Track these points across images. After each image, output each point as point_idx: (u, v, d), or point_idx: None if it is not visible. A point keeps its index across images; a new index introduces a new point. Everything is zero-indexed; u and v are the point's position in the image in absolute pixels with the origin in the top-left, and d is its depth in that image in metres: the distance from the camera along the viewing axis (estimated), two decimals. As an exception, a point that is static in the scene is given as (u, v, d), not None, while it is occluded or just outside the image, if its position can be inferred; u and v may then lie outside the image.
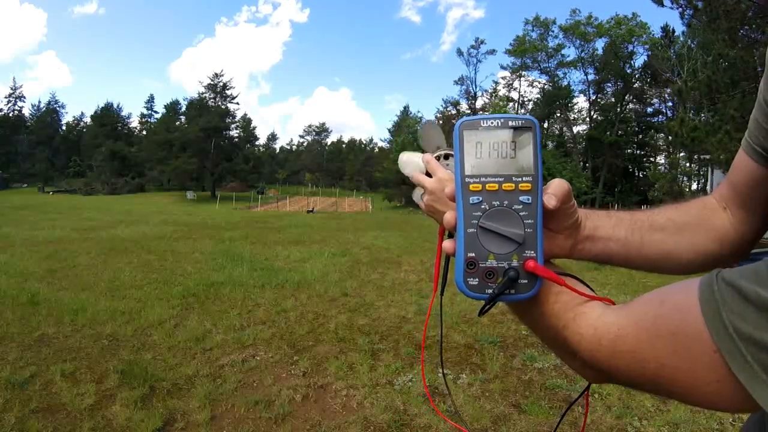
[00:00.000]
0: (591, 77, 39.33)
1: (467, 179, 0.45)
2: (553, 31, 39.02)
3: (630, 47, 36.16)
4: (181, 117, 47.38)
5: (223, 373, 3.28)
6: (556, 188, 0.47)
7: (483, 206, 0.44)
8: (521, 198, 0.44)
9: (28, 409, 2.67)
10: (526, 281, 0.45)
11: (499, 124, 0.45)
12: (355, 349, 3.80)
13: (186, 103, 46.85)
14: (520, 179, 0.44)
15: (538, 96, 42.59)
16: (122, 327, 4.14)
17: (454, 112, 45.22)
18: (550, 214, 0.47)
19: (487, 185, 0.44)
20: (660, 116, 36.20)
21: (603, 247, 0.54)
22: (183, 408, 2.78)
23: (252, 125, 50.41)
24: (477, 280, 0.45)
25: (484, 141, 0.45)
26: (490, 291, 0.45)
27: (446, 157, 0.66)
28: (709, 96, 8.67)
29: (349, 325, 4.48)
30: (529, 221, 0.44)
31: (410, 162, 0.70)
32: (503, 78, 45.03)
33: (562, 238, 0.53)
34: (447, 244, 0.48)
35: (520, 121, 0.45)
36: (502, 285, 0.44)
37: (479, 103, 44.01)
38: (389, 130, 55.12)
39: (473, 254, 0.44)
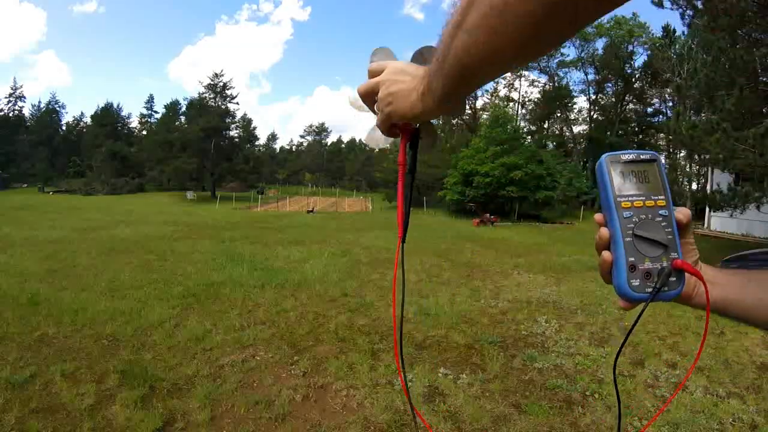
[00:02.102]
0: (591, 77, 39.35)
1: (619, 198, 0.54)
2: (553, 31, 38.99)
3: (630, 47, 36.16)
4: (181, 117, 47.39)
5: (223, 373, 3.28)
6: (682, 209, 0.55)
7: (634, 219, 0.53)
8: (660, 211, 0.53)
9: (28, 409, 2.67)
10: (674, 279, 0.52)
11: (634, 157, 0.55)
12: (355, 349, 3.80)
13: (186, 103, 46.87)
14: (657, 197, 0.54)
15: (539, 96, 42.60)
16: (122, 327, 4.14)
17: (454, 112, 45.14)
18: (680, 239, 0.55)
19: (634, 202, 0.53)
20: (660, 116, 36.18)
21: (720, 294, 0.55)
22: (183, 408, 2.78)
23: (252, 125, 50.37)
24: (638, 280, 0.52)
25: (625, 170, 0.55)
26: (649, 290, 0.52)
27: None
28: (708, 94, 8.67)
29: (349, 325, 4.48)
30: (669, 229, 0.53)
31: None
32: (503, 78, 45.02)
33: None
34: (606, 255, 0.54)
35: (649, 155, 0.55)
36: (661, 280, 0.51)
37: (479, 103, 44.04)
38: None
39: (633, 259, 0.52)
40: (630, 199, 0.54)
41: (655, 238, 0.52)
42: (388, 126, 0.61)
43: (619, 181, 0.55)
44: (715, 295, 0.55)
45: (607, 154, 0.56)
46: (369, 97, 0.62)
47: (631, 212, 0.53)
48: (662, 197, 0.54)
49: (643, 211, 0.53)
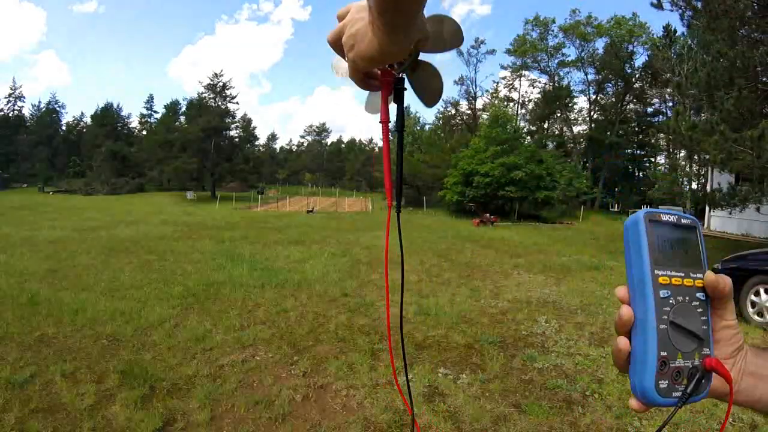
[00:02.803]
0: (591, 77, 39.38)
1: (656, 271, 0.43)
2: (552, 31, 39.09)
3: (630, 47, 36.18)
4: (181, 117, 47.40)
5: (223, 373, 3.28)
6: (719, 280, 0.45)
7: (671, 301, 0.43)
8: (698, 294, 0.44)
9: (28, 409, 2.67)
10: (704, 381, 0.43)
11: (675, 221, 0.46)
12: (355, 349, 3.80)
13: (186, 103, 46.89)
14: (696, 275, 0.45)
15: (539, 96, 42.62)
16: (122, 327, 4.14)
17: (453, 112, 45.26)
18: (717, 319, 0.46)
19: (673, 279, 0.44)
20: (660, 116, 36.20)
21: (764, 391, 0.45)
22: (183, 408, 2.78)
23: (252, 125, 50.37)
24: (667, 382, 0.42)
25: (664, 235, 0.45)
26: (677, 394, 0.42)
27: None
28: (708, 93, 8.68)
29: (349, 325, 4.48)
30: (704, 317, 0.44)
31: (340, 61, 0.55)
32: (503, 78, 45.08)
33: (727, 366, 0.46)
34: (622, 343, 0.44)
35: (690, 220, 0.47)
36: (694, 386, 0.42)
37: (479, 104, 44.05)
38: (389, 130, 55.00)
39: (666, 353, 0.42)
40: (669, 274, 0.44)
41: (693, 329, 0.43)
42: (359, 76, 0.51)
43: (656, 248, 0.44)
44: (760, 394, 0.45)
45: (645, 210, 0.46)
46: (339, 47, 0.50)
47: (669, 291, 0.43)
48: (700, 275, 0.45)
49: (681, 291, 0.44)
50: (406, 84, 0.54)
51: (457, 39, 0.52)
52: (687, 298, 0.44)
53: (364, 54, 0.45)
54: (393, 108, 0.55)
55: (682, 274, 0.44)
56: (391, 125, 0.56)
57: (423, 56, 0.52)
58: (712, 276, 0.45)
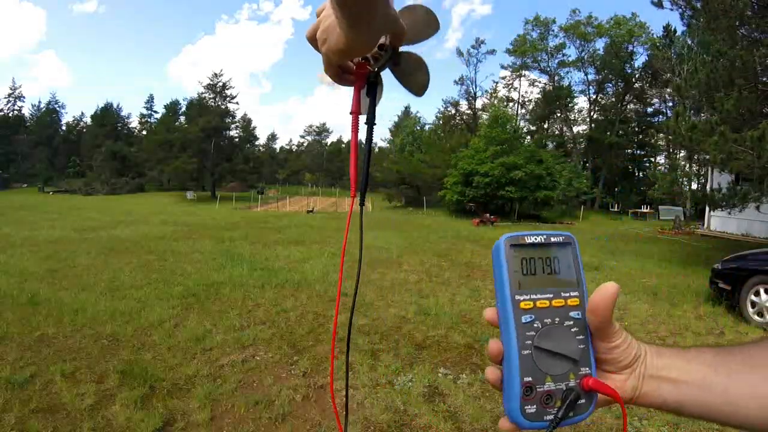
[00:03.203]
0: (591, 77, 39.42)
1: (517, 297, 0.43)
2: (553, 31, 39.13)
3: (630, 47, 36.21)
4: (181, 117, 47.42)
5: (223, 373, 3.28)
6: (594, 300, 0.43)
7: (536, 324, 0.43)
8: (571, 314, 0.44)
9: (28, 409, 2.67)
10: (584, 401, 0.42)
11: (543, 241, 0.45)
12: (354, 349, 3.80)
13: (186, 103, 46.92)
14: (568, 294, 0.44)
15: (539, 96, 42.65)
16: (122, 327, 4.14)
17: (453, 112, 45.28)
18: (600, 343, 0.44)
19: (537, 302, 0.43)
20: (660, 116, 36.22)
21: (672, 391, 0.43)
22: (183, 408, 2.78)
23: (252, 125, 50.39)
24: (535, 407, 0.41)
25: (528, 257, 0.45)
26: (549, 417, 0.41)
27: (381, 47, 0.51)
28: (707, 94, 8.68)
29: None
30: (581, 337, 0.43)
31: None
32: (503, 78, 45.12)
33: (619, 379, 0.45)
34: (490, 374, 0.45)
35: (561, 237, 0.46)
36: (566, 408, 0.41)
37: (479, 104, 44.07)
38: (390, 130, 55.17)
39: (530, 378, 0.41)
40: (533, 298, 0.43)
41: (563, 352, 0.42)
42: (334, 71, 0.51)
43: (519, 272, 0.44)
44: (665, 396, 0.44)
45: (506, 235, 0.45)
46: (315, 42, 0.51)
47: (532, 316, 0.43)
48: (575, 293, 0.44)
49: (549, 313, 0.43)
50: (393, 78, 0.55)
51: (432, 26, 0.51)
52: (557, 319, 0.43)
53: (333, 48, 0.46)
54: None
55: (550, 296, 0.43)
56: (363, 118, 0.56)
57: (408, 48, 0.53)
58: (592, 303, 0.43)
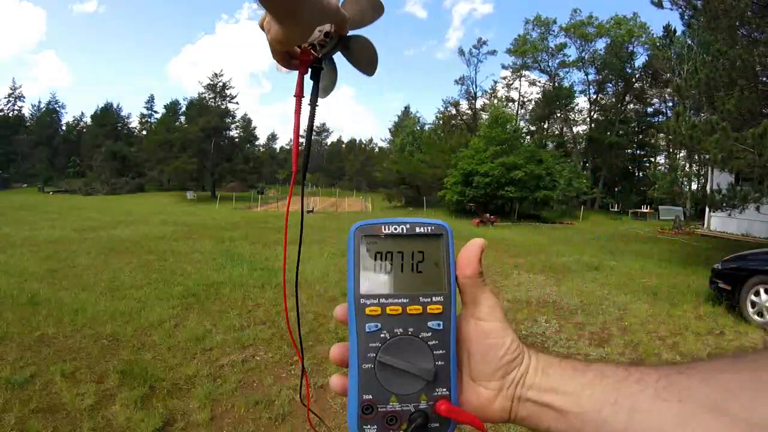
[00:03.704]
0: (591, 77, 39.44)
1: (362, 300, 0.37)
2: (553, 31, 39.14)
3: (630, 47, 36.23)
4: (181, 117, 47.45)
5: (223, 373, 3.28)
6: (461, 256, 0.38)
7: (382, 335, 0.36)
8: (430, 324, 0.37)
9: (28, 409, 2.67)
10: (437, 425, 0.36)
11: (404, 231, 0.38)
12: (355, 349, 3.80)
13: (186, 103, 46.95)
14: (429, 300, 0.37)
15: (539, 96, 42.66)
16: (122, 327, 4.14)
17: (453, 112, 45.28)
18: (470, 320, 0.38)
19: (387, 308, 0.37)
20: (660, 116, 36.25)
21: (559, 421, 0.35)
22: (183, 408, 2.78)
23: (252, 125, 50.43)
24: (375, 428, 0.36)
25: (384, 251, 0.38)
26: None
27: (327, 35, 0.52)
28: (708, 94, 8.68)
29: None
30: (440, 352, 0.36)
31: None
32: (504, 78, 45.13)
33: (485, 396, 0.37)
34: (336, 380, 0.38)
35: (429, 228, 0.38)
36: None
37: (479, 104, 44.08)
38: (390, 130, 55.21)
39: (370, 396, 0.36)
40: (381, 302, 0.37)
41: (412, 370, 0.36)
42: (281, 56, 0.52)
43: (369, 269, 0.38)
44: (542, 426, 0.36)
45: (359, 223, 0.39)
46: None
47: (377, 324, 0.37)
48: (438, 299, 0.37)
49: (400, 322, 0.37)
50: (345, 60, 0.57)
51: (377, 10, 0.54)
52: (411, 330, 0.36)
53: (274, 38, 0.48)
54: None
55: (405, 301, 0.37)
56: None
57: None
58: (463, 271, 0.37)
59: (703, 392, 0.30)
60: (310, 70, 0.55)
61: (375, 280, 0.38)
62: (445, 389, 0.36)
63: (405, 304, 0.37)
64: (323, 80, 0.57)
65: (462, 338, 0.38)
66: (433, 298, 0.37)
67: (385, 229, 0.38)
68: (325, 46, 0.54)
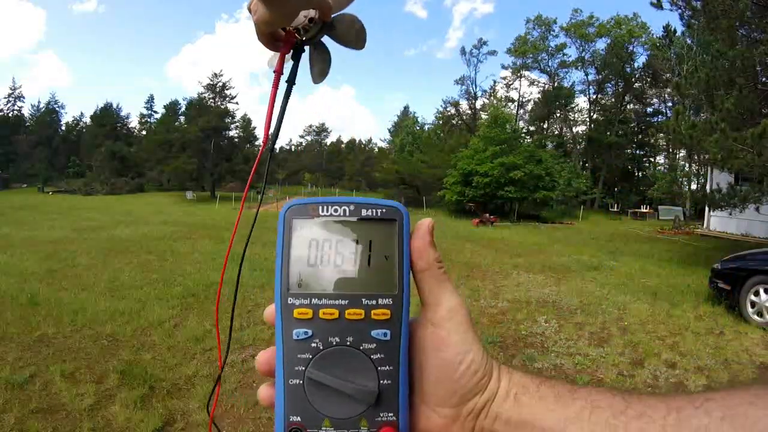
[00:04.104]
0: (591, 77, 39.48)
1: (290, 300, 0.31)
2: (554, 31, 39.15)
3: (630, 47, 36.25)
4: (181, 117, 47.44)
5: (223, 373, 3.28)
6: (414, 243, 0.32)
7: (314, 344, 0.30)
8: (374, 333, 0.30)
9: (28, 409, 2.67)
10: None
11: (347, 213, 0.31)
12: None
13: (185, 103, 46.95)
14: (374, 302, 0.30)
15: (538, 96, 42.69)
16: (122, 327, 4.14)
17: (453, 112, 45.29)
18: (422, 357, 0.31)
19: (321, 311, 0.30)
20: (660, 116, 36.29)
21: None
22: (183, 408, 2.78)
23: (252, 125, 50.41)
24: None
25: (320, 239, 0.31)
26: None
27: (311, 20, 0.53)
28: (707, 93, 8.68)
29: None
30: (387, 368, 0.30)
31: None
32: (504, 78, 45.15)
33: (438, 420, 0.31)
34: (264, 392, 0.33)
35: (379, 210, 0.31)
36: None
37: (479, 104, 44.09)
38: (389, 130, 55.24)
39: (298, 419, 0.31)
40: (314, 303, 0.30)
41: (347, 390, 0.29)
42: (266, 39, 0.53)
43: (302, 260, 0.31)
44: None
45: (291, 203, 0.33)
46: None
47: (308, 331, 0.30)
48: (386, 301, 0.30)
49: (336, 328, 0.30)
50: (332, 42, 0.57)
51: (360, 40, 0.56)
52: (349, 339, 0.30)
53: (260, 19, 0.49)
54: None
55: (344, 302, 0.30)
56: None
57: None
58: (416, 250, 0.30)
59: None
60: (292, 51, 0.55)
61: (307, 275, 0.31)
62: (391, 414, 0.30)
63: (343, 307, 0.30)
64: (317, 64, 0.58)
65: (414, 347, 0.31)
66: (380, 301, 0.30)
67: (322, 211, 0.31)
68: (309, 30, 0.55)
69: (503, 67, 43.50)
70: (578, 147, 40.01)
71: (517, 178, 21.30)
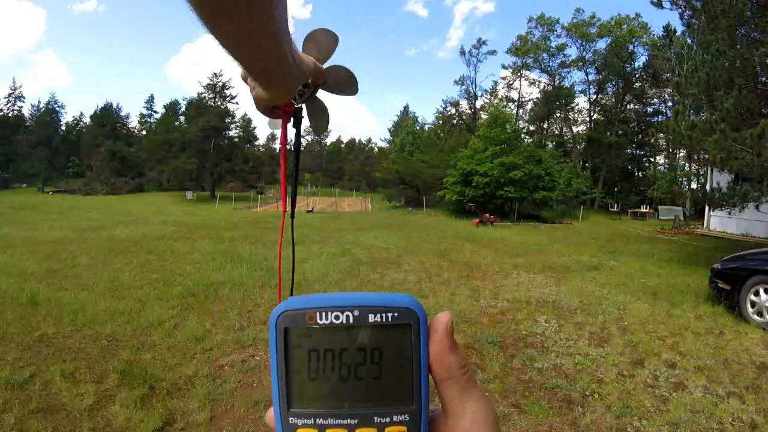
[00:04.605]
0: (592, 77, 39.47)
1: (292, 419, 0.27)
2: (555, 30, 39.10)
3: (631, 47, 36.23)
4: (181, 117, 47.44)
5: (223, 373, 3.28)
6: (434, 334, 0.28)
7: None
8: None
9: (28, 409, 2.67)
10: None
11: (351, 321, 0.27)
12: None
13: (185, 103, 46.94)
14: (388, 419, 0.27)
15: (539, 96, 42.68)
16: (122, 327, 4.14)
17: (453, 112, 45.28)
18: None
19: (327, 431, 0.27)
20: (660, 116, 36.27)
21: None
22: (183, 408, 2.78)
23: (252, 125, 50.41)
24: None
25: (321, 349, 0.27)
26: None
27: (305, 86, 0.57)
28: (707, 93, 8.68)
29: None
30: None
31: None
32: (504, 78, 45.14)
33: None
34: None
35: (390, 315, 0.27)
36: None
37: (479, 104, 44.08)
38: (389, 129, 55.25)
39: None
40: (319, 423, 0.27)
41: None
42: (263, 110, 0.57)
43: (301, 373, 0.27)
44: None
45: (281, 307, 0.30)
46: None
47: None
48: (401, 418, 0.27)
49: None
50: (305, 112, 0.61)
51: (333, 44, 0.59)
52: None
53: (258, 97, 0.53)
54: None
55: (354, 422, 0.27)
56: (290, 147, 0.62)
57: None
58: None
59: None
60: (292, 119, 0.59)
61: (310, 391, 0.27)
62: None
63: (353, 427, 0.27)
64: (316, 118, 0.62)
65: None
66: (395, 417, 0.27)
67: (320, 318, 0.27)
68: (304, 95, 0.59)
69: (503, 66, 43.48)
70: (578, 147, 40.00)
71: (517, 178, 21.29)
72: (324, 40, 0.58)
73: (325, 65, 0.59)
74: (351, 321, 0.27)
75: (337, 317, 0.27)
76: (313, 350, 0.27)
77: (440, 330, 0.28)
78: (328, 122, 0.63)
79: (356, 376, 0.27)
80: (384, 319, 0.27)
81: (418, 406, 0.27)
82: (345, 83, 0.62)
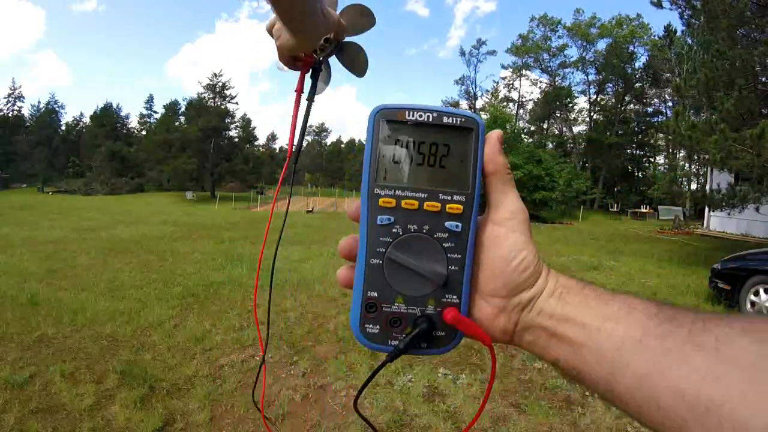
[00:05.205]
0: (592, 77, 39.48)
1: (377, 190, 0.34)
2: (557, 31, 39.11)
3: (631, 48, 36.26)
4: (181, 117, 47.46)
5: (223, 374, 3.28)
6: (487, 153, 0.35)
7: (395, 230, 0.34)
8: (447, 224, 0.34)
9: (28, 409, 2.67)
10: (443, 333, 0.34)
11: (431, 119, 0.34)
12: (354, 349, 3.80)
13: (185, 103, 46.96)
14: (449, 198, 0.34)
15: (539, 96, 42.70)
16: (122, 327, 4.14)
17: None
18: (480, 251, 0.35)
19: (403, 201, 0.34)
20: (660, 116, 36.30)
21: (570, 355, 0.31)
22: (183, 408, 2.78)
23: (252, 125, 50.42)
24: (378, 327, 0.34)
25: (406, 140, 0.35)
26: (395, 342, 0.34)
27: (326, 40, 0.60)
28: (707, 93, 8.69)
29: (349, 325, 4.48)
30: (455, 256, 0.34)
31: None
32: (504, 78, 45.16)
33: (487, 312, 0.35)
34: (343, 273, 0.37)
35: (459, 119, 0.35)
36: (411, 338, 0.33)
37: (479, 104, 44.08)
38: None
39: (375, 294, 0.34)
40: (397, 194, 0.34)
41: (422, 271, 0.34)
42: (286, 59, 0.59)
43: (387, 157, 0.35)
44: (556, 356, 0.32)
45: (381, 106, 0.35)
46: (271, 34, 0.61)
47: (391, 217, 0.34)
48: (460, 198, 0.34)
49: (415, 218, 0.34)
50: (337, 63, 0.65)
51: (369, 20, 0.62)
52: (426, 227, 0.34)
53: (283, 45, 0.56)
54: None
55: (423, 195, 0.34)
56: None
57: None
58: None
59: (742, 343, 0.25)
60: (311, 70, 0.62)
61: (392, 170, 0.35)
62: (455, 297, 0.34)
63: (423, 199, 0.34)
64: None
65: (475, 242, 0.35)
66: (454, 197, 0.34)
67: (409, 115, 0.34)
68: (325, 50, 0.62)
69: (503, 66, 43.52)
70: (578, 147, 40.00)
71: (516, 179, 21.29)
72: (360, 17, 0.62)
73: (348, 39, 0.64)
74: (430, 120, 0.34)
75: (420, 116, 0.34)
76: (398, 140, 0.35)
77: (494, 137, 0.35)
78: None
79: (428, 164, 0.35)
80: (454, 122, 0.35)
81: (472, 192, 0.34)
82: (359, 61, 0.65)
